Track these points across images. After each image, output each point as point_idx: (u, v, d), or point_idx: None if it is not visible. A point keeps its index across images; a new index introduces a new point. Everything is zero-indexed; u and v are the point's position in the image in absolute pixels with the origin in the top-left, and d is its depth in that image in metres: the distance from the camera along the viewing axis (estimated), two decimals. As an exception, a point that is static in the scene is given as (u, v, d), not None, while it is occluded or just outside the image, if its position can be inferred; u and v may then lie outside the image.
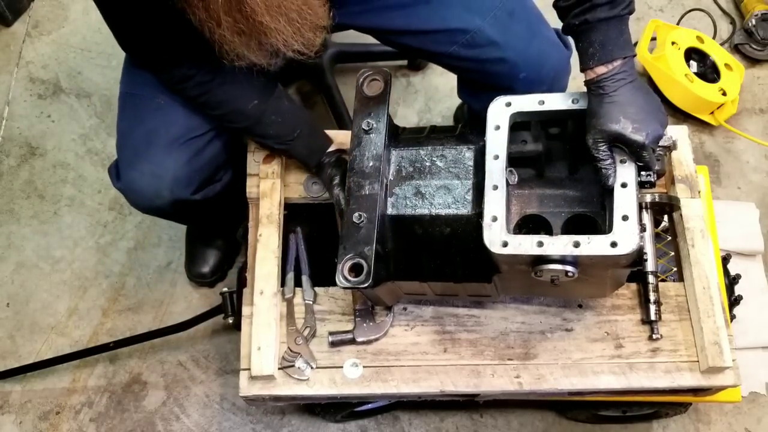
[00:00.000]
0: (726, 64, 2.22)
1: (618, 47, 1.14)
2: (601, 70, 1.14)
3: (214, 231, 1.99)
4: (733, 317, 1.56)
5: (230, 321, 1.57)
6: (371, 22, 1.50)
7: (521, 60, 1.42)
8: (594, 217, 1.21)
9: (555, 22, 1.27)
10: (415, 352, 1.36)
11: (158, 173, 1.42)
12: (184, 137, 1.41)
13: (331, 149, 1.45)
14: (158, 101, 1.40)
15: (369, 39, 1.58)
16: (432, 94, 2.29)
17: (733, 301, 1.58)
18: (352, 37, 2.18)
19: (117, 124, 1.47)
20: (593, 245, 1.07)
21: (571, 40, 1.26)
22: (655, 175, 1.17)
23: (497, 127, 1.20)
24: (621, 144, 1.14)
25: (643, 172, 1.16)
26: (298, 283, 1.42)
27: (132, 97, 1.45)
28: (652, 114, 1.15)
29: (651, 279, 1.36)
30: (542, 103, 1.20)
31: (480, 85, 1.54)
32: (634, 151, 1.14)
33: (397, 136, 1.32)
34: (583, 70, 1.17)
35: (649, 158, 1.14)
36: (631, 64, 1.15)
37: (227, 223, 1.98)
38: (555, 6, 1.21)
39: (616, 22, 1.14)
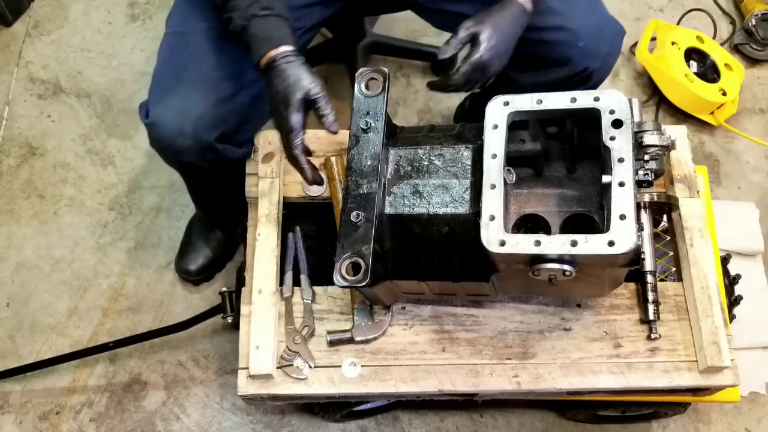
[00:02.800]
0: (726, 64, 2.22)
1: None
2: None
3: (213, 223, 1.99)
4: (732, 317, 1.56)
5: (229, 320, 1.57)
6: None
7: (581, 29, 1.46)
8: (592, 217, 1.21)
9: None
10: (414, 352, 1.36)
11: (184, 109, 1.41)
12: (213, 77, 1.41)
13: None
14: (188, 38, 1.43)
15: (407, 35, 1.53)
16: (432, 94, 2.29)
17: (733, 301, 1.58)
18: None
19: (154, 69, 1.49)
20: (590, 244, 1.07)
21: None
22: (648, 172, 1.17)
23: (495, 126, 1.20)
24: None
25: (641, 171, 1.16)
26: (296, 282, 1.42)
27: (167, 37, 1.48)
28: None
29: (649, 278, 1.35)
30: (540, 102, 1.20)
31: (533, 58, 1.53)
32: None
33: (396, 135, 1.32)
34: None
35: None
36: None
37: (228, 218, 1.95)
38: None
39: None
